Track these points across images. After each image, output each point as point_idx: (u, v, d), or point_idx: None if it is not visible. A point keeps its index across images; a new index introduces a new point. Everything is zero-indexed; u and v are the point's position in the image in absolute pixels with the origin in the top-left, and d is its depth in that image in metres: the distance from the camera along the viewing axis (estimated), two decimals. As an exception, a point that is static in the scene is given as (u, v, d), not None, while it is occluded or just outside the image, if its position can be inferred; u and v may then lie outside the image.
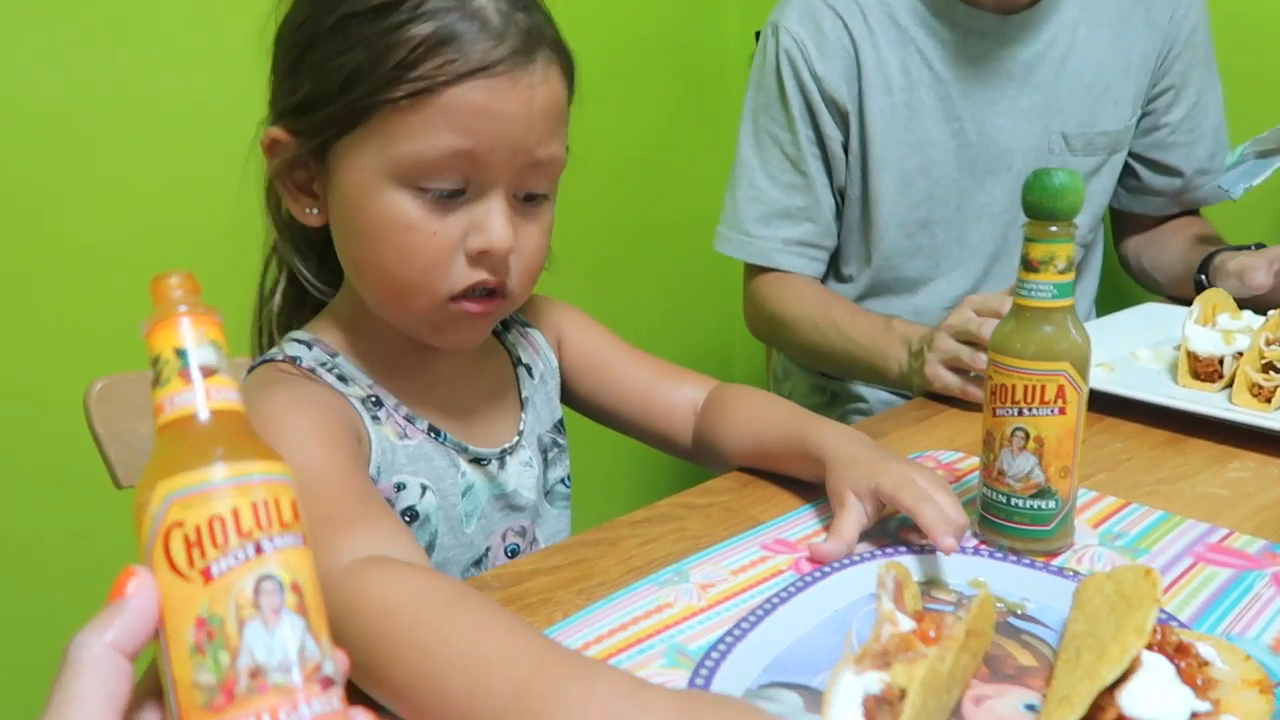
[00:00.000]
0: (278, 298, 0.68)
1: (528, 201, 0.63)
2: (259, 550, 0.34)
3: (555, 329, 0.81)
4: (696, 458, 0.80)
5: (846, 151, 1.15)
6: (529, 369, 0.76)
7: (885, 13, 1.11)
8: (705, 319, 1.95)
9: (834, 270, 1.24)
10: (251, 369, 0.66)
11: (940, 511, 0.58)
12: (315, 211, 0.63)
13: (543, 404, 0.77)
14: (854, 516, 0.61)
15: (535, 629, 0.46)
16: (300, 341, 0.66)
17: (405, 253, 0.60)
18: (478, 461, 0.69)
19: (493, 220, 0.60)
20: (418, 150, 0.57)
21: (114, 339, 1.25)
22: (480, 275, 0.61)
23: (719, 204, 1.23)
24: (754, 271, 1.21)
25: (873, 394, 1.22)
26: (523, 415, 0.74)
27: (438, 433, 0.68)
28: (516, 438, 0.73)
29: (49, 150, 1.19)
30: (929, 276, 1.19)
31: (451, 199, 0.59)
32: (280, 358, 0.65)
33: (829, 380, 1.26)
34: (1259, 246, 1.09)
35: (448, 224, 0.59)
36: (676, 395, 0.80)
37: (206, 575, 0.33)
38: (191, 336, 0.36)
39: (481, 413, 0.72)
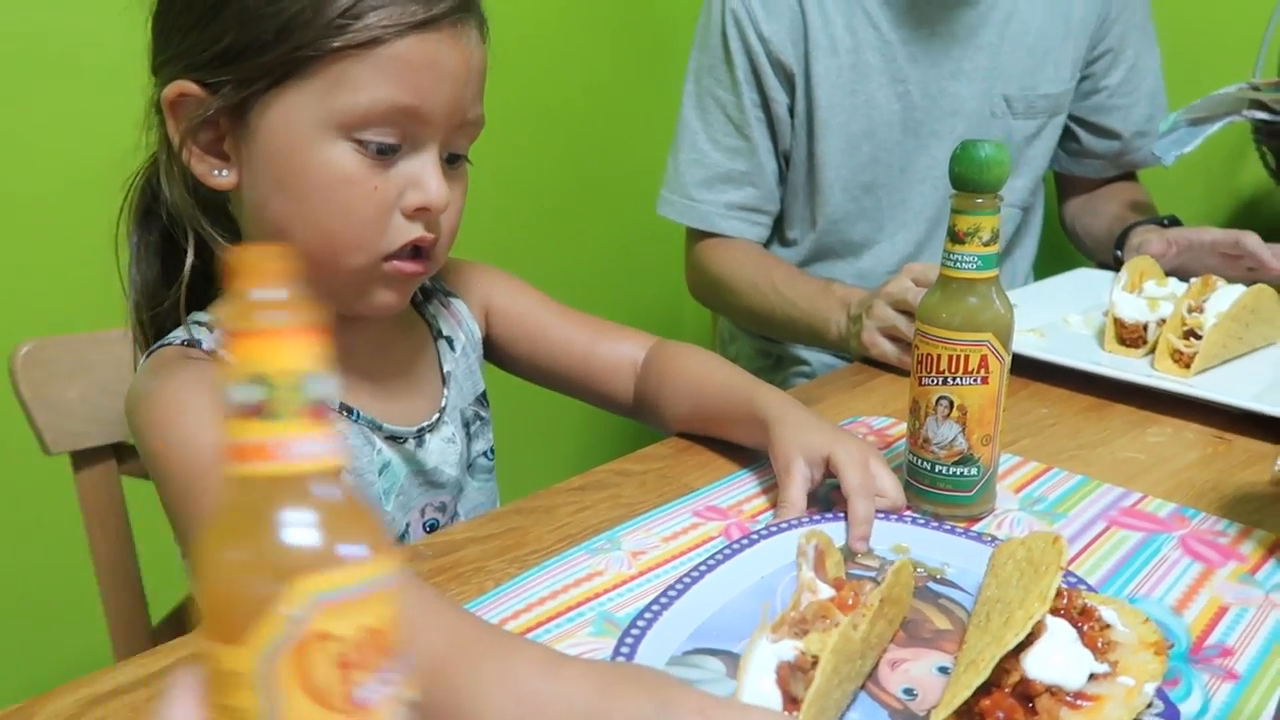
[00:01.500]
0: (185, 277, 0.62)
1: (450, 163, 0.62)
2: (401, 671, 0.28)
3: (482, 297, 0.80)
4: (638, 416, 0.80)
5: (791, 114, 1.15)
6: (450, 341, 0.75)
7: (831, -27, 1.10)
8: (652, 282, 1.94)
9: (778, 235, 1.24)
10: (149, 352, 0.63)
11: (869, 512, 0.60)
12: (226, 174, 0.60)
13: (464, 377, 0.76)
14: (802, 481, 0.62)
15: (453, 602, 0.46)
16: (201, 324, 0.64)
17: (344, 208, 0.58)
18: (394, 439, 0.68)
19: (429, 177, 0.59)
20: (362, 102, 0.56)
21: (39, 300, 1.22)
22: (417, 232, 0.61)
23: (663, 166, 1.22)
24: (696, 236, 1.21)
25: (816, 357, 1.23)
26: (445, 391, 0.73)
27: (350, 410, 0.66)
28: (437, 415, 0.72)
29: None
30: (873, 240, 1.20)
31: (389, 155, 0.59)
32: (180, 340, 0.62)
33: (773, 344, 1.27)
34: (1172, 220, 1.12)
35: (386, 180, 0.59)
36: (616, 353, 0.80)
37: (356, 704, 0.27)
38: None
39: (398, 389, 0.71)
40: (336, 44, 0.55)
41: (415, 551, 0.61)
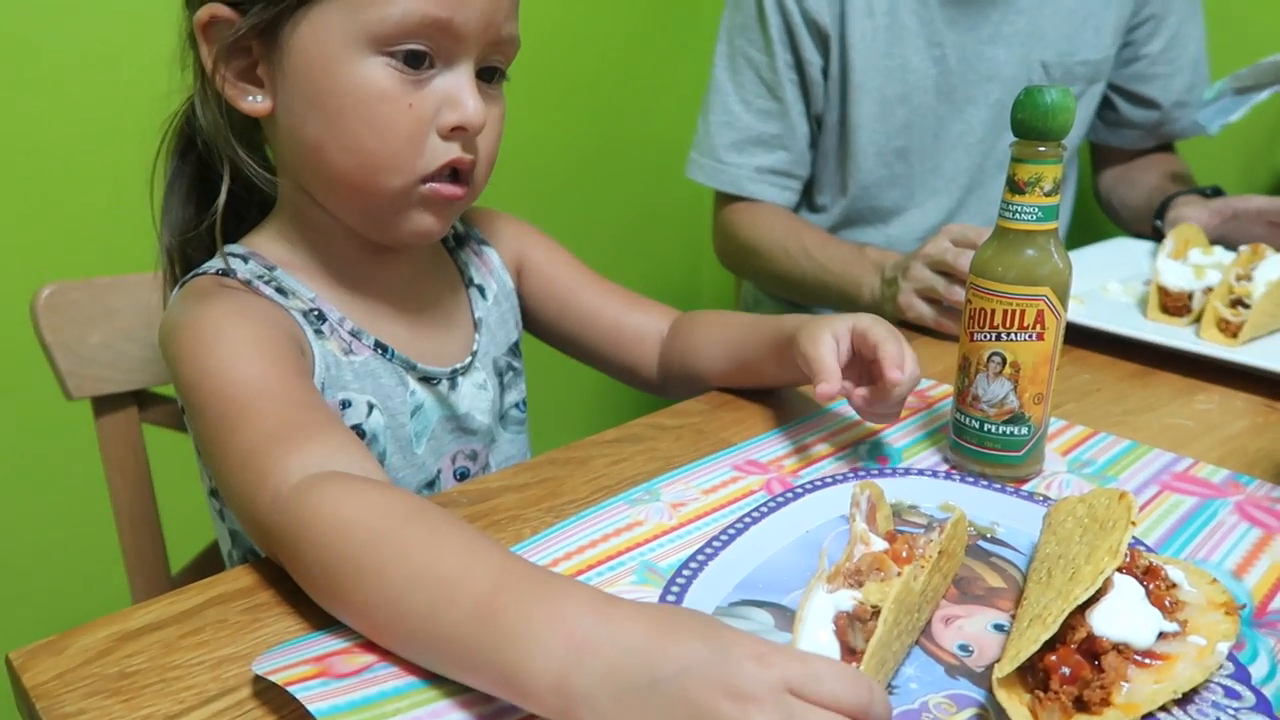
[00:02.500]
0: (221, 205, 0.61)
1: (487, 83, 0.61)
2: None
3: (515, 251, 0.78)
4: (664, 387, 0.79)
5: (825, 76, 1.12)
6: (481, 289, 0.74)
7: (870, -68, 1.07)
8: (674, 244, 1.92)
9: (807, 200, 1.22)
10: (183, 282, 0.62)
11: (901, 349, 0.60)
12: (260, 99, 0.59)
13: (497, 325, 0.74)
14: (830, 348, 0.61)
15: (498, 543, 0.44)
16: (235, 255, 0.63)
17: (381, 126, 0.57)
18: (427, 380, 0.67)
19: (465, 95, 0.58)
20: (394, 15, 0.55)
21: (61, 243, 1.20)
22: (454, 153, 0.60)
23: (691, 126, 1.20)
24: (725, 199, 1.19)
25: (843, 323, 1.21)
26: (476, 336, 0.72)
27: (385, 349, 0.65)
28: (469, 358, 0.70)
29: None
30: (903, 206, 1.18)
31: (423, 71, 0.57)
32: (215, 269, 0.61)
33: (799, 309, 1.25)
34: (1215, 190, 1.09)
35: (422, 98, 0.58)
36: (645, 324, 0.79)
37: None
38: None
39: (431, 330, 0.69)
40: None
41: (450, 498, 0.59)
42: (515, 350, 0.77)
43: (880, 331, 0.61)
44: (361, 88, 0.56)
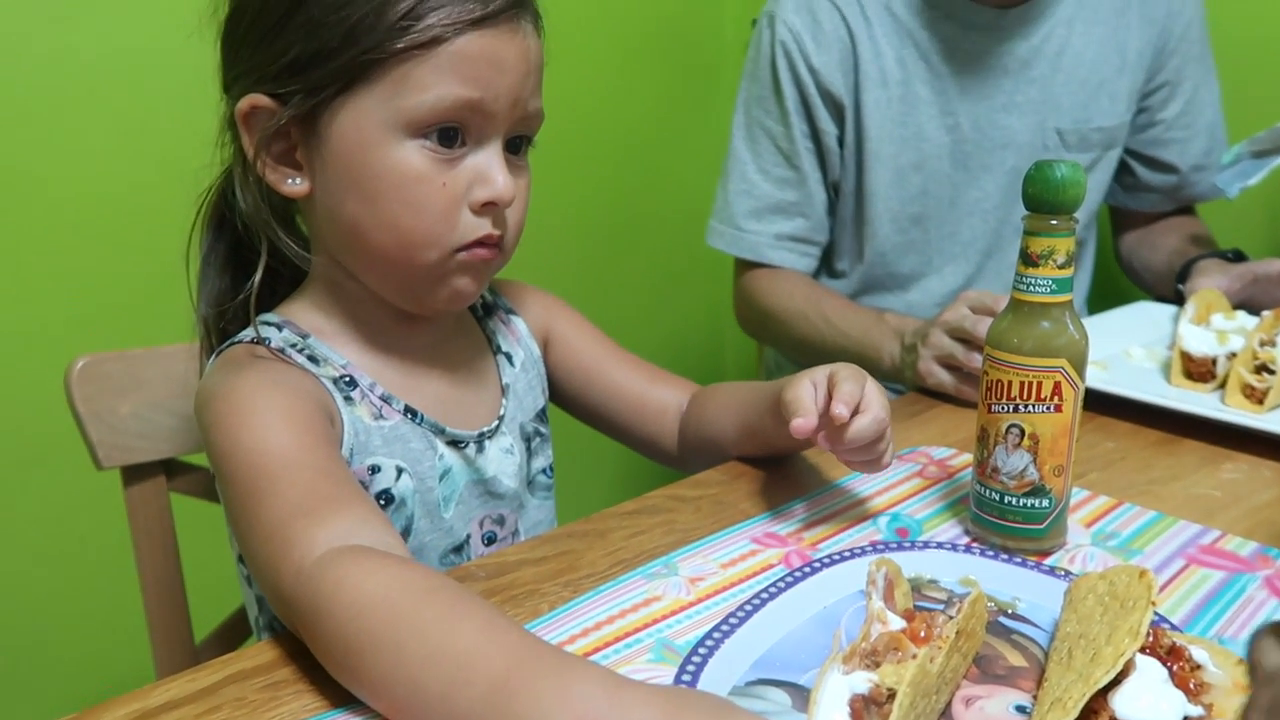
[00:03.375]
0: (257, 280, 0.64)
1: (514, 155, 0.64)
2: None
3: (542, 322, 0.80)
4: (683, 460, 0.80)
5: (841, 145, 1.14)
6: (509, 356, 0.75)
7: (882, 5, 1.09)
8: (696, 311, 1.93)
9: (826, 266, 1.23)
10: (218, 351, 0.65)
11: (859, 391, 0.61)
12: (299, 182, 0.62)
13: (525, 392, 0.76)
14: (809, 393, 0.63)
15: (514, 622, 0.45)
16: (269, 324, 0.65)
17: (417, 205, 0.59)
18: (455, 444, 0.68)
19: (495, 171, 0.61)
20: (428, 101, 0.57)
21: (96, 317, 1.24)
22: (485, 229, 0.62)
23: (711, 195, 1.22)
24: (745, 266, 1.20)
25: (863, 389, 1.21)
26: (503, 401, 0.73)
27: (414, 413, 0.66)
28: (497, 422, 0.71)
29: (18, 125, 1.17)
30: (921, 273, 1.18)
31: (456, 150, 0.60)
32: (250, 339, 0.63)
33: (820, 374, 1.25)
34: (1237, 254, 1.09)
35: (455, 176, 0.60)
36: (667, 398, 0.80)
37: None
38: None
39: (460, 395, 0.71)
40: (400, 45, 0.56)
41: (468, 572, 0.60)
42: (542, 417, 0.78)
43: (845, 374, 0.63)
44: (398, 170, 0.59)
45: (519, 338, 0.77)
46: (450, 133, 0.59)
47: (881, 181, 1.13)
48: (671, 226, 1.83)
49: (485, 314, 0.76)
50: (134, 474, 0.82)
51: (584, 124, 1.66)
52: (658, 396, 0.80)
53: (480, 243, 0.62)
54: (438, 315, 0.69)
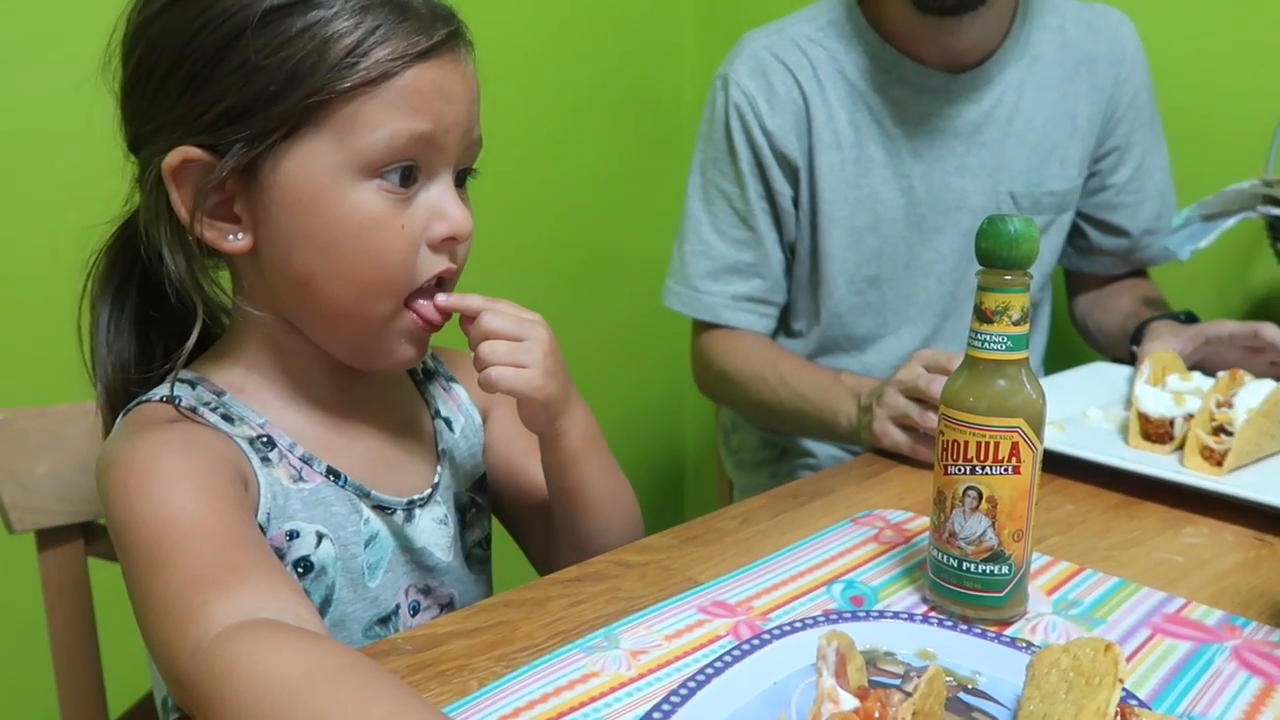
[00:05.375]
0: (191, 343, 0.58)
1: (459, 186, 0.62)
2: None
3: (483, 396, 0.75)
4: (557, 551, 0.75)
5: (796, 206, 1.14)
6: (448, 422, 0.72)
7: (835, 69, 1.10)
8: (655, 369, 1.91)
9: (784, 326, 1.22)
10: (125, 411, 0.60)
11: None
12: (240, 237, 0.58)
13: (464, 459, 0.72)
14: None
15: (429, 706, 0.41)
16: (182, 380, 0.61)
17: (375, 252, 0.57)
18: (382, 509, 0.64)
19: (450, 205, 0.59)
20: (383, 139, 0.55)
21: (7, 372, 1.18)
22: (442, 265, 0.60)
23: (669, 256, 1.20)
24: (702, 327, 1.19)
25: (822, 449, 1.19)
26: (439, 468, 0.69)
27: (337, 475, 0.62)
28: (430, 490, 0.68)
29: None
30: (878, 334, 1.17)
31: (411, 188, 0.58)
32: (159, 397, 0.59)
33: (779, 435, 1.23)
34: (1189, 316, 1.09)
35: (411, 215, 0.58)
36: None
37: None
38: None
39: (392, 456, 0.67)
40: (347, 85, 0.54)
41: (394, 645, 0.56)
42: (480, 486, 0.74)
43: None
44: (354, 216, 0.56)
45: (460, 404, 0.74)
46: (408, 170, 0.57)
47: (836, 243, 1.12)
48: (628, 286, 1.81)
49: (425, 379, 0.73)
50: (49, 537, 0.77)
51: (541, 183, 1.65)
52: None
53: (438, 283, 0.60)
54: (378, 372, 0.66)
